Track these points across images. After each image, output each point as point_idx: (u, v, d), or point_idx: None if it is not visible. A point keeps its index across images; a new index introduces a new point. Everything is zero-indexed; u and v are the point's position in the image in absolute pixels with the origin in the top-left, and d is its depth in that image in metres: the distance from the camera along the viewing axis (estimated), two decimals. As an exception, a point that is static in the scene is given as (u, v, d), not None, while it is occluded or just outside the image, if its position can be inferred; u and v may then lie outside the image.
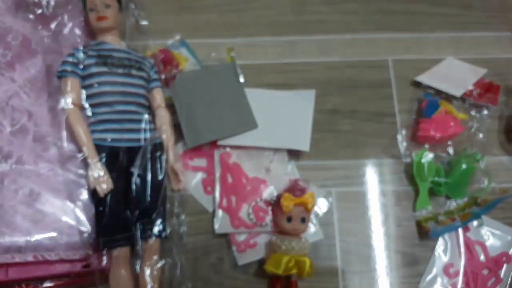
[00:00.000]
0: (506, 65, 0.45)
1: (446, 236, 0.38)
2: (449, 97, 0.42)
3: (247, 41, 0.46)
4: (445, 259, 0.37)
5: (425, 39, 0.46)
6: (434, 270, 0.37)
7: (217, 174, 0.40)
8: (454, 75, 0.43)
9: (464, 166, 0.38)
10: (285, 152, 0.41)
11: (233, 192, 0.39)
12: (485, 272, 0.36)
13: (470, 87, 0.42)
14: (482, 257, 0.37)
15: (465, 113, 0.41)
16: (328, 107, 0.43)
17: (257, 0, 0.48)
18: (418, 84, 0.44)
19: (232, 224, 0.37)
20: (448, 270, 0.37)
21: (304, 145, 0.40)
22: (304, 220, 0.36)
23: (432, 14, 0.47)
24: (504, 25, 0.47)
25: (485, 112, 0.41)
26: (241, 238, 0.38)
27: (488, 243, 0.37)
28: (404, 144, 0.41)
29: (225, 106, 0.40)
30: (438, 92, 0.42)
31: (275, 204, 0.37)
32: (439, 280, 0.37)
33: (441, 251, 0.37)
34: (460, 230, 0.37)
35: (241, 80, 0.41)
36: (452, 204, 0.39)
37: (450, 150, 0.40)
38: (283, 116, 0.41)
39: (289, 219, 0.36)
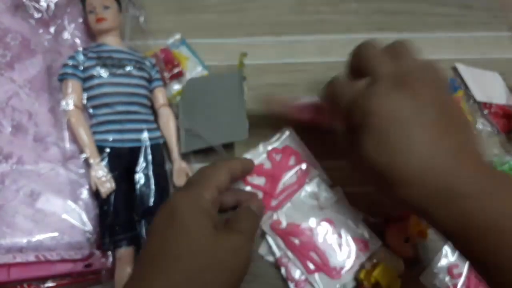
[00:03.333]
0: (506, 65, 0.45)
1: None
2: (468, 98, 0.43)
3: (247, 41, 0.46)
4: (451, 258, 0.37)
5: (425, 39, 0.46)
6: (438, 267, 0.37)
7: (279, 253, 0.36)
8: (488, 85, 0.44)
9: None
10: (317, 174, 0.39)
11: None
12: None
13: (493, 104, 0.42)
14: None
15: (473, 117, 0.42)
16: (328, 107, 0.43)
17: (257, 0, 0.48)
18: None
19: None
20: (452, 270, 0.37)
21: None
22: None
23: (432, 14, 0.47)
24: (504, 25, 0.47)
25: (488, 129, 0.42)
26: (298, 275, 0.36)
27: None
28: None
29: (223, 114, 0.40)
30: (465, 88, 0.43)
31: (392, 220, 0.37)
32: (440, 276, 0.37)
33: (450, 250, 0.37)
34: None
35: (245, 89, 0.41)
36: None
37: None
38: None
39: (407, 240, 0.36)
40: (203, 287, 0.25)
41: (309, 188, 0.38)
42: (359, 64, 0.31)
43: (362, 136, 0.28)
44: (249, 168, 0.36)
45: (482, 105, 0.43)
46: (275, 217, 0.37)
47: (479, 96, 0.42)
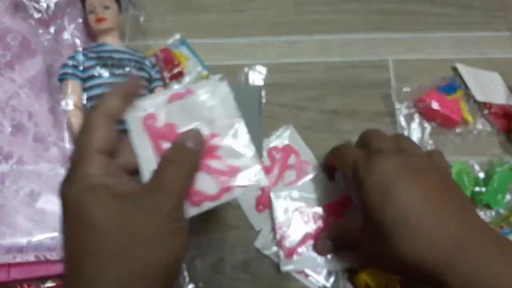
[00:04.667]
0: (506, 65, 0.45)
1: None
2: (468, 98, 0.43)
3: (247, 41, 0.46)
4: None
5: (425, 39, 0.46)
6: None
7: (142, 152, 0.26)
8: (488, 85, 0.44)
9: (499, 175, 0.39)
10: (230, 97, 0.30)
11: None
12: None
13: (493, 103, 0.42)
14: None
15: (473, 117, 0.42)
16: (328, 107, 0.43)
17: (257, 0, 0.48)
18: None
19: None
20: None
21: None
22: None
23: (432, 14, 0.47)
24: (504, 25, 0.47)
25: (488, 129, 0.42)
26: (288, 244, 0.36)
27: None
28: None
29: None
30: (464, 87, 0.43)
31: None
32: None
33: None
34: None
35: (262, 107, 0.41)
36: (492, 214, 0.39)
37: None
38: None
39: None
40: (124, 278, 0.21)
41: (206, 96, 0.29)
42: (362, 143, 0.33)
43: (364, 190, 0.29)
44: (135, 87, 0.28)
45: (482, 105, 0.43)
46: (150, 110, 0.27)
47: (479, 96, 0.42)
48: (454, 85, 0.43)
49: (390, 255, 0.27)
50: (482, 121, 0.42)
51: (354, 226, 0.32)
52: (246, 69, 0.43)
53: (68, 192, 0.23)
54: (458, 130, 0.42)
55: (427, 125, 0.41)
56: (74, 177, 0.23)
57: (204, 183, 0.27)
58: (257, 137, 0.40)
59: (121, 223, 0.22)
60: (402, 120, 0.42)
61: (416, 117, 0.42)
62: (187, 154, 0.25)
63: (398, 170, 0.28)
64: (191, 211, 0.26)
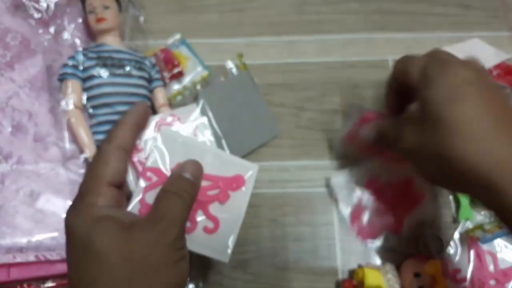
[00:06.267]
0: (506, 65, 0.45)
1: (457, 241, 0.37)
2: None
3: (247, 41, 0.46)
4: (453, 263, 0.37)
5: (425, 39, 0.46)
6: None
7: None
8: (477, 53, 0.44)
9: None
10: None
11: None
12: (492, 282, 0.36)
13: (491, 67, 0.43)
14: (491, 268, 0.36)
15: None
16: (328, 107, 0.43)
17: (257, 0, 0.48)
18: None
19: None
20: (455, 275, 0.37)
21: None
22: None
23: (432, 14, 0.47)
24: (504, 25, 0.47)
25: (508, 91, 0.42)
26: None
27: (499, 255, 0.37)
28: None
29: (249, 116, 0.40)
30: None
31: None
32: None
33: (451, 255, 0.37)
34: (472, 238, 0.37)
35: (257, 88, 0.41)
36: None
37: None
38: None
39: (417, 275, 0.35)
40: None
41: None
42: (405, 78, 0.30)
43: (434, 90, 0.27)
44: (144, 117, 0.29)
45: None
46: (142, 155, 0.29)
47: None
48: None
49: (445, 155, 0.26)
50: None
51: (400, 125, 0.30)
52: (230, 64, 0.43)
53: (75, 222, 0.23)
54: None
55: None
56: (81, 208, 0.24)
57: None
58: (266, 115, 0.41)
59: (127, 254, 0.22)
60: None
61: None
62: (186, 185, 0.26)
63: (471, 77, 0.27)
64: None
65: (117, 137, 0.26)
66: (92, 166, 0.26)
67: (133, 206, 0.27)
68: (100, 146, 0.26)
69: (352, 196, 0.38)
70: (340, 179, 0.39)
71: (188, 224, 0.28)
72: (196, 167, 0.27)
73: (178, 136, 0.29)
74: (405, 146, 0.29)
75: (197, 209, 0.29)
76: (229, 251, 0.29)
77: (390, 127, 0.32)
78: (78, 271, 0.23)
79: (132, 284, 0.22)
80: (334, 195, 0.39)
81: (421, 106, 0.28)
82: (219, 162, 0.29)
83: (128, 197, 0.28)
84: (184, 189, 0.25)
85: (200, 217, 0.29)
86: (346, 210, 0.38)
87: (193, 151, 0.29)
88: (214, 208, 0.29)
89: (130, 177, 0.29)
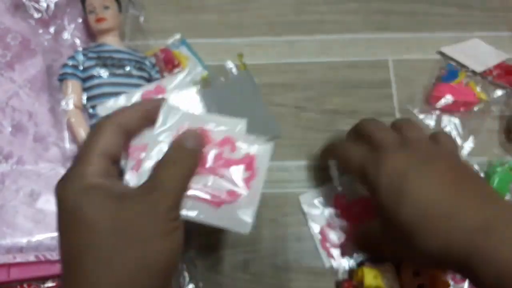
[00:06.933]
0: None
1: None
2: (470, 76, 0.43)
3: (247, 41, 0.46)
4: None
5: (425, 39, 0.46)
6: None
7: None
8: (477, 53, 0.44)
9: (499, 175, 0.39)
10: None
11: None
12: None
13: (491, 67, 0.43)
14: None
15: (487, 96, 0.42)
16: (328, 107, 0.43)
17: (257, 0, 0.48)
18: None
19: None
20: (454, 275, 0.36)
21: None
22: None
23: (432, 14, 0.47)
24: (504, 25, 0.47)
25: (503, 92, 0.42)
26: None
27: None
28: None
29: (247, 117, 0.40)
30: (461, 67, 0.43)
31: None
32: None
33: None
34: None
35: (257, 88, 0.41)
36: None
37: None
38: None
39: (417, 274, 0.34)
40: (121, 277, 0.21)
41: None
42: (361, 136, 0.32)
43: (378, 193, 0.28)
44: (153, 108, 0.27)
45: (484, 75, 0.43)
46: None
47: (478, 67, 0.42)
48: (452, 70, 0.43)
49: (414, 252, 0.26)
50: (494, 97, 0.42)
51: (375, 228, 0.31)
52: (230, 64, 0.43)
53: (64, 190, 0.23)
54: (476, 108, 0.41)
55: (453, 119, 0.41)
56: (71, 176, 0.23)
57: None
58: (266, 115, 0.41)
59: (116, 223, 0.22)
60: (432, 124, 0.41)
61: (445, 118, 0.41)
62: (186, 154, 0.25)
63: (407, 166, 0.27)
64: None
65: (117, 115, 0.25)
66: (86, 138, 0.25)
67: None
68: (100, 120, 0.25)
69: (321, 215, 0.38)
70: (309, 197, 0.39)
71: (202, 195, 0.26)
72: (196, 136, 0.26)
73: (175, 107, 0.28)
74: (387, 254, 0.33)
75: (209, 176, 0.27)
76: (250, 221, 0.26)
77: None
78: (67, 240, 0.23)
79: (121, 253, 0.21)
80: (303, 215, 0.39)
81: (377, 210, 0.29)
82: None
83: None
84: (182, 158, 0.25)
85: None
86: (316, 229, 0.38)
87: (193, 120, 0.27)
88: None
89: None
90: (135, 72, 0.38)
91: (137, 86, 0.38)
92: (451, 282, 0.36)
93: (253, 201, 0.27)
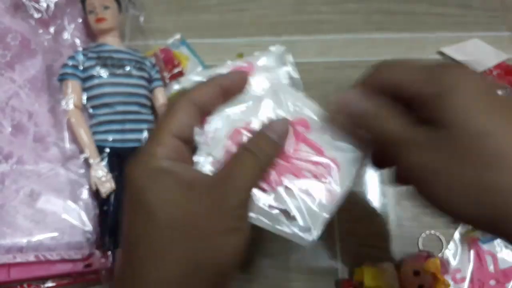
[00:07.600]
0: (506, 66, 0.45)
1: (457, 241, 0.37)
2: None
3: (247, 41, 0.46)
4: (453, 263, 0.37)
5: (425, 39, 0.46)
6: None
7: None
8: (477, 54, 0.45)
9: None
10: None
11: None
12: (492, 282, 0.36)
13: (491, 67, 0.43)
14: (491, 268, 0.36)
15: None
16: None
17: (257, 0, 0.48)
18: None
19: None
20: (455, 275, 0.37)
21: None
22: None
23: (432, 14, 0.47)
24: (504, 25, 0.47)
25: (502, 92, 0.42)
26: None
27: (499, 255, 0.37)
28: None
29: None
30: None
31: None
32: None
33: (451, 255, 0.37)
34: (472, 238, 0.37)
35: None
36: None
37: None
38: None
39: (417, 273, 0.34)
40: (189, 274, 0.20)
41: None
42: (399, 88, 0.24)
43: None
44: (237, 83, 0.25)
45: (484, 74, 0.43)
46: None
47: (478, 67, 0.43)
48: None
49: (491, 187, 0.19)
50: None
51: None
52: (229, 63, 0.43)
53: (132, 172, 0.22)
54: None
55: None
56: (141, 157, 0.22)
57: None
58: None
59: (179, 213, 0.20)
60: None
61: None
62: (265, 144, 0.23)
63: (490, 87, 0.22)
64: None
65: (191, 93, 0.24)
66: (160, 117, 0.24)
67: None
68: (176, 98, 0.24)
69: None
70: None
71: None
72: (283, 127, 0.24)
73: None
74: (410, 166, 0.22)
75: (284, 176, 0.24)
76: (315, 233, 0.23)
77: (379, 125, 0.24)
78: (128, 225, 0.22)
79: (178, 246, 0.20)
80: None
81: (436, 120, 0.22)
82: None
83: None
84: (262, 148, 0.23)
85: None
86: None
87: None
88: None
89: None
90: (135, 72, 0.38)
91: (137, 86, 0.38)
92: (451, 282, 0.36)
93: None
